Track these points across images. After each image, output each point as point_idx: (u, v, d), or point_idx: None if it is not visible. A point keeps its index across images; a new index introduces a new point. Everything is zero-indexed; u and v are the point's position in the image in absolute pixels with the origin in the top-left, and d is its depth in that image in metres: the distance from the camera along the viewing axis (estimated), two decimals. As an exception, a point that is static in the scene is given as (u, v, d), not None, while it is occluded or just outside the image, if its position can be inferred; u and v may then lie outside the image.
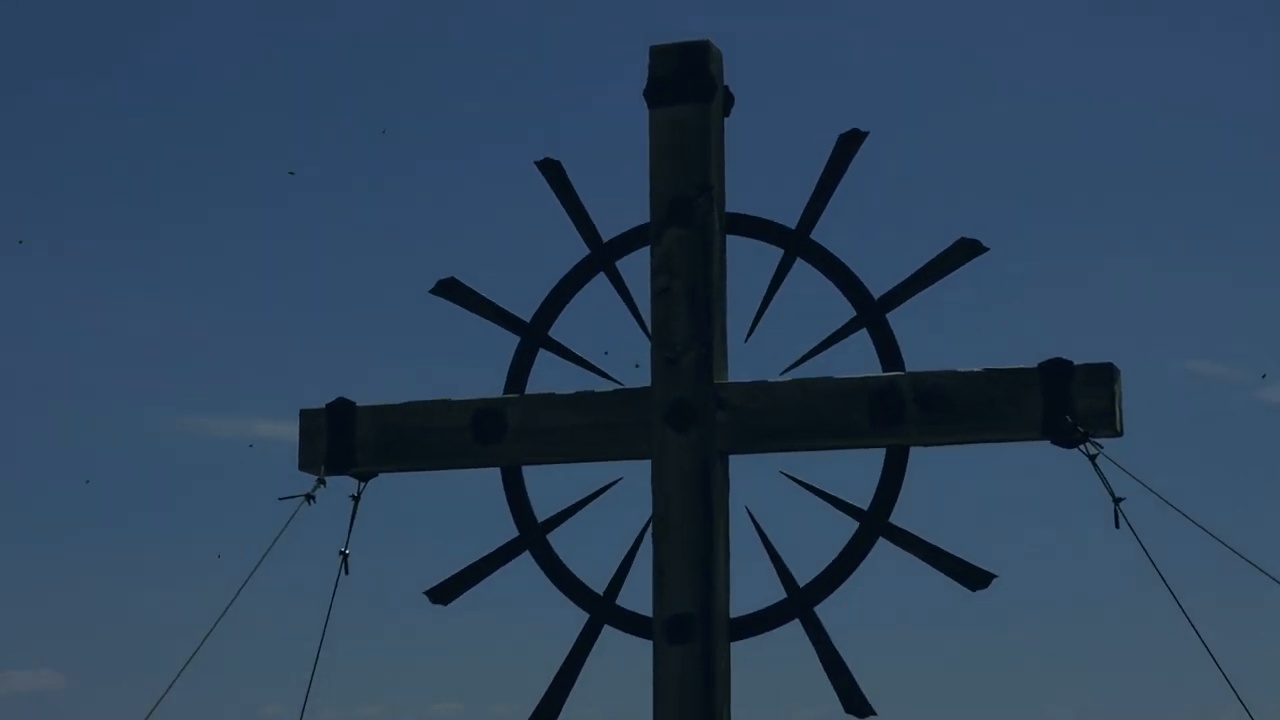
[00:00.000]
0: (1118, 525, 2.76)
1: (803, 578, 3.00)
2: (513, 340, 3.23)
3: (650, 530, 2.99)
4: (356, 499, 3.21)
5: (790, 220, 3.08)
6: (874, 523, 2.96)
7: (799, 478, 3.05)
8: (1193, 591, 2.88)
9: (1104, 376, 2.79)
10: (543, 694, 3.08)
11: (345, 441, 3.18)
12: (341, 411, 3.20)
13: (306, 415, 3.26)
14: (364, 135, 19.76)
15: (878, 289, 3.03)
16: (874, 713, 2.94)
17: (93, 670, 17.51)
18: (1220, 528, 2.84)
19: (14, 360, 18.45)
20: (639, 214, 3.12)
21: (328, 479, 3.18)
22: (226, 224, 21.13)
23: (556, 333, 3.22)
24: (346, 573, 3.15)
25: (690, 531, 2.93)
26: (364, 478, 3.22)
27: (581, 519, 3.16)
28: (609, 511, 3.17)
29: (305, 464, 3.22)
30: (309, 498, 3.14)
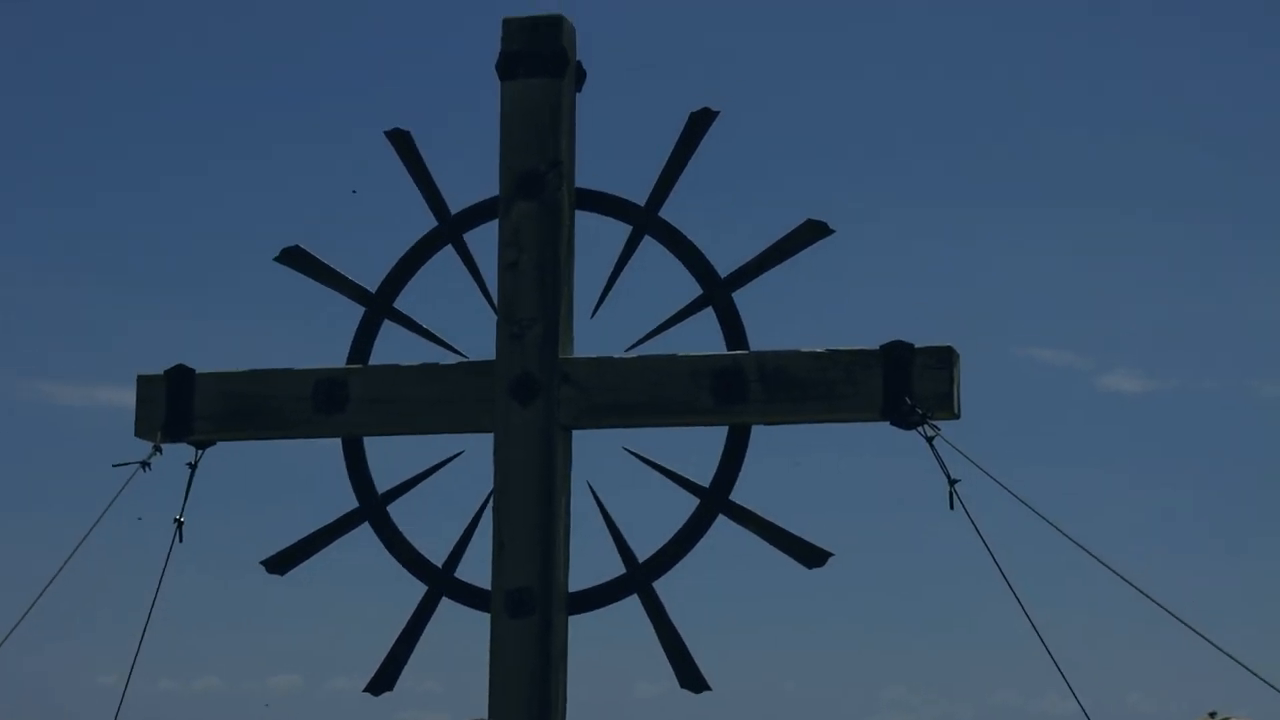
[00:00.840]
0: (952, 507, 2.82)
1: (643, 553, 3.02)
2: (358, 311, 3.21)
3: (491, 504, 3.00)
4: (193, 467, 3.16)
5: (641, 197, 3.09)
6: (714, 500, 2.99)
7: (641, 454, 3.07)
8: (1024, 573, 2.95)
9: (943, 360, 2.84)
10: (378, 665, 3.07)
11: (183, 409, 3.14)
12: (180, 378, 3.15)
13: (144, 382, 3.20)
14: (211, 104, 19.55)
15: (724, 268, 3.05)
16: (709, 688, 2.98)
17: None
18: (1054, 512, 2.92)
19: None
20: (489, 188, 3.11)
21: (166, 446, 3.13)
22: (68, 192, 20.82)
23: (402, 304, 3.21)
24: (180, 540, 3.11)
25: (531, 505, 2.94)
26: (202, 445, 3.18)
27: (422, 491, 3.16)
28: (450, 484, 3.16)
29: (142, 431, 3.17)
30: (144, 465, 3.09)
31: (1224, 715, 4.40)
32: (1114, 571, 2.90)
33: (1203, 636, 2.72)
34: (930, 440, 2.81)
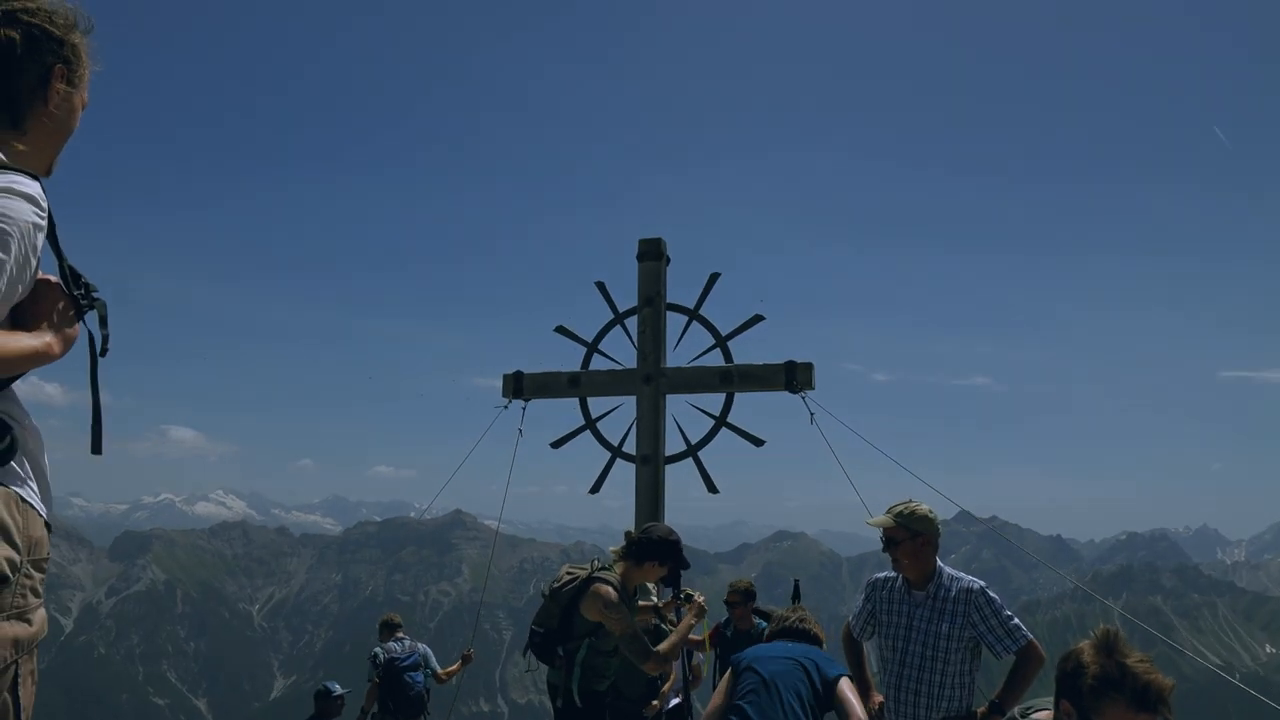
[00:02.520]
0: (811, 422, 7.46)
1: (694, 437, 7.80)
2: (580, 350, 8.06)
3: (636, 423, 7.78)
4: (523, 410, 8.05)
5: (693, 304, 7.85)
6: (722, 420, 7.73)
7: (697, 405, 7.85)
8: (856, 464, 7.57)
9: (806, 367, 7.49)
10: (595, 477, 7.92)
11: (519, 386, 8.04)
12: (519, 375, 8.07)
13: (506, 377, 8.14)
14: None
15: (725, 329, 7.78)
16: (717, 490, 7.72)
17: None
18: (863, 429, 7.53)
19: None
20: (632, 301, 7.95)
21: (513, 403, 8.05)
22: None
23: (603, 346, 8.05)
24: (521, 434, 8.02)
25: (650, 422, 7.74)
26: (527, 400, 8.06)
27: (610, 418, 7.96)
28: (621, 416, 7.94)
29: (504, 394, 8.08)
30: (504, 408, 8.00)
31: (903, 506, 4.92)
32: (912, 473, 7.48)
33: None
34: (804, 398, 7.46)
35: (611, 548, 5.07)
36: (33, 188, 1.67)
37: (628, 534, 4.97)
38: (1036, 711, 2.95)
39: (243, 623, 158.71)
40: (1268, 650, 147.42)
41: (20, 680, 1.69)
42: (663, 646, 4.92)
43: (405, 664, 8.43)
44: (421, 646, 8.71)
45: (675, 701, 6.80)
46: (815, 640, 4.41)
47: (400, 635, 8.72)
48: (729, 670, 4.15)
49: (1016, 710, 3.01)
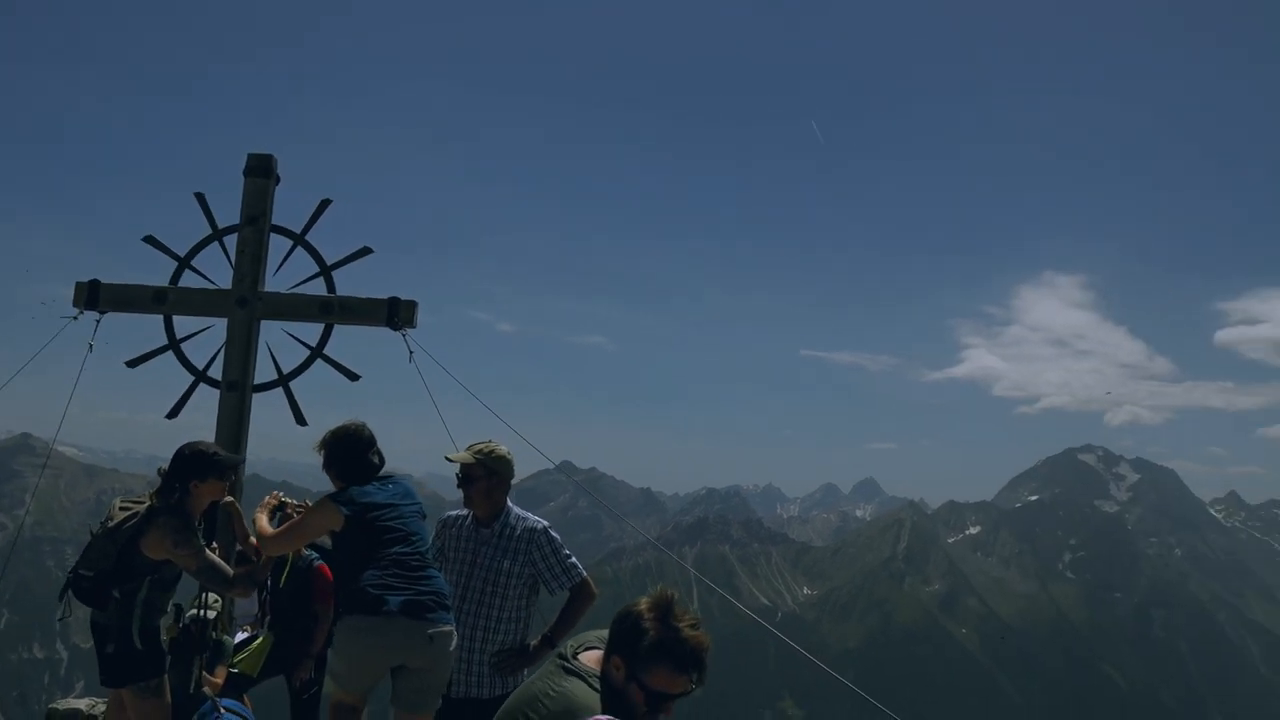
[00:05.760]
0: (410, 361, 7.52)
1: (288, 368, 7.60)
2: (171, 264, 7.52)
3: (224, 348, 7.42)
4: (98, 323, 7.34)
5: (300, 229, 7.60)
6: (318, 351, 7.59)
7: (292, 334, 7.63)
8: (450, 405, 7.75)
9: (411, 305, 7.53)
10: (175, 401, 7.44)
11: (95, 297, 7.32)
12: (94, 284, 7.34)
13: (78, 285, 7.36)
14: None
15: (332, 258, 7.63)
16: (306, 423, 7.60)
17: None
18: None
19: None
20: (236, 217, 7.53)
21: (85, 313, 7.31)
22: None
23: (197, 263, 7.56)
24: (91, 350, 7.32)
25: (240, 349, 7.42)
26: (102, 313, 7.35)
27: (196, 341, 7.51)
28: (209, 339, 7.52)
29: (75, 304, 7.32)
30: (74, 319, 7.25)
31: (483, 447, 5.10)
32: (507, 423, 7.74)
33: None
34: (405, 336, 7.49)
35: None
36: None
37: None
38: (586, 649, 3.06)
39: None
40: (805, 592, 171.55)
41: None
42: (239, 571, 4.83)
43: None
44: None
45: (242, 637, 6.58)
46: None
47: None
48: None
49: (568, 645, 3.09)
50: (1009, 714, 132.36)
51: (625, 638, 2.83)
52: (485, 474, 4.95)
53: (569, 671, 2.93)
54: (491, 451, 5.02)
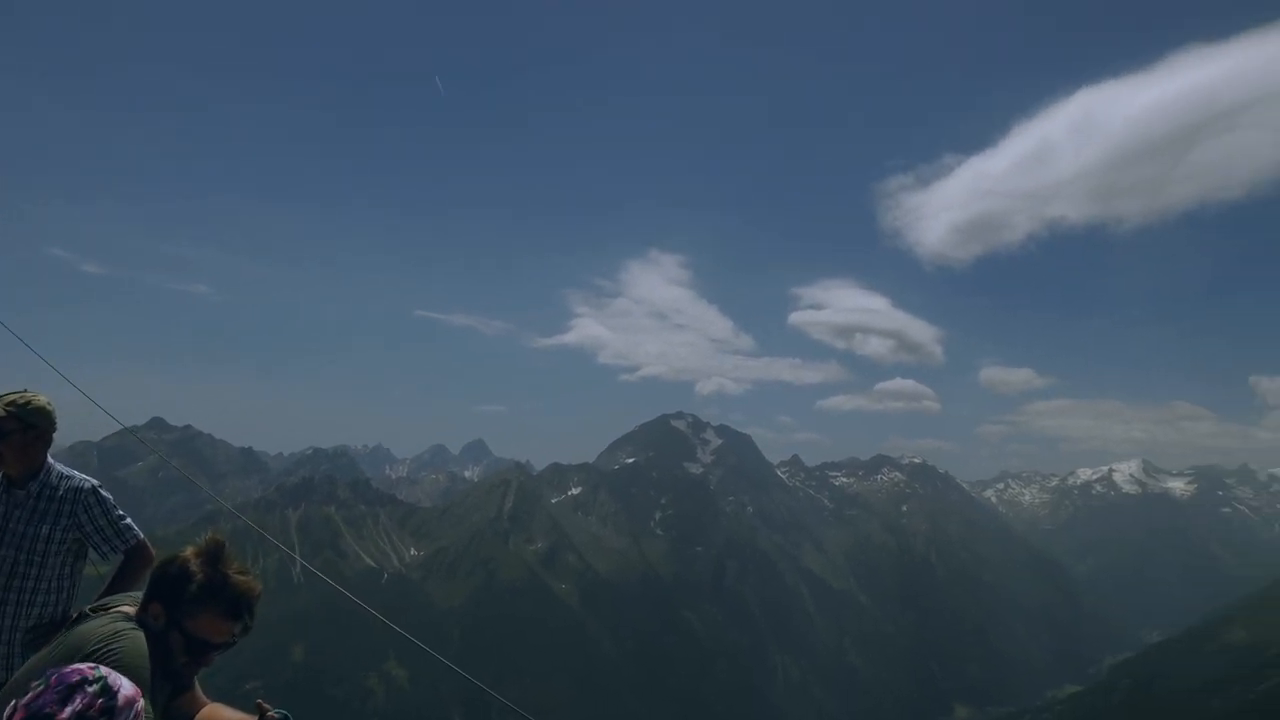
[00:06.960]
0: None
1: None
2: None
3: None
4: None
5: None
6: None
7: None
8: None
9: None
10: None
11: None
12: None
13: None
14: None
15: None
16: None
17: None
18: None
19: None
20: None
21: None
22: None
23: None
24: None
25: None
26: None
27: None
28: None
29: None
30: None
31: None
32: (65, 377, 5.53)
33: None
34: None
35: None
36: None
37: None
38: (120, 607, 2.93)
39: None
40: (413, 552, 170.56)
41: None
42: None
43: None
44: None
45: None
46: None
47: None
48: None
49: (89, 608, 2.99)
50: (601, 662, 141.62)
51: (169, 583, 2.80)
52: (20, 428, 4.43)
53: (92, 616, 2.87)
54: (28, 403, 4.49)
